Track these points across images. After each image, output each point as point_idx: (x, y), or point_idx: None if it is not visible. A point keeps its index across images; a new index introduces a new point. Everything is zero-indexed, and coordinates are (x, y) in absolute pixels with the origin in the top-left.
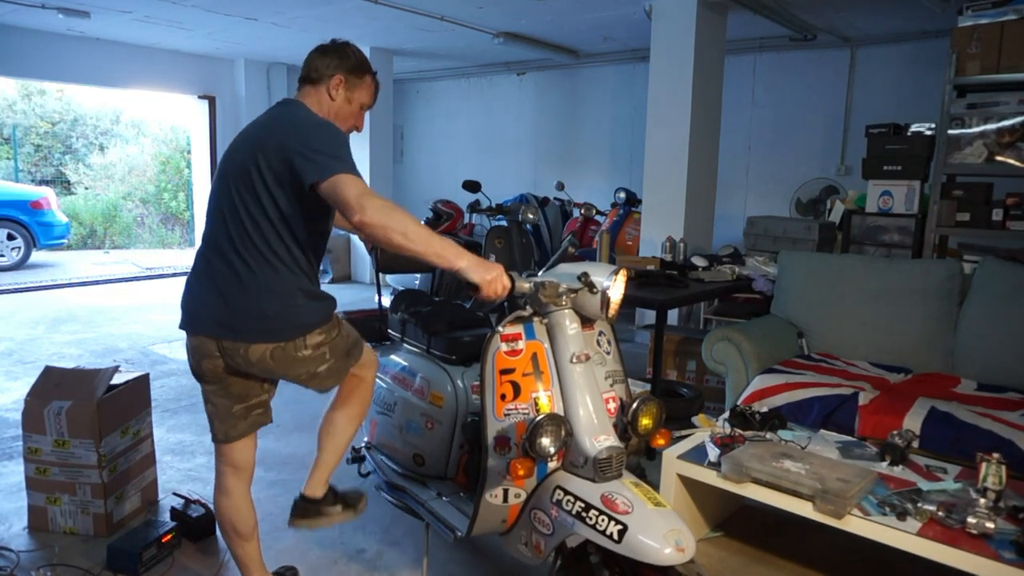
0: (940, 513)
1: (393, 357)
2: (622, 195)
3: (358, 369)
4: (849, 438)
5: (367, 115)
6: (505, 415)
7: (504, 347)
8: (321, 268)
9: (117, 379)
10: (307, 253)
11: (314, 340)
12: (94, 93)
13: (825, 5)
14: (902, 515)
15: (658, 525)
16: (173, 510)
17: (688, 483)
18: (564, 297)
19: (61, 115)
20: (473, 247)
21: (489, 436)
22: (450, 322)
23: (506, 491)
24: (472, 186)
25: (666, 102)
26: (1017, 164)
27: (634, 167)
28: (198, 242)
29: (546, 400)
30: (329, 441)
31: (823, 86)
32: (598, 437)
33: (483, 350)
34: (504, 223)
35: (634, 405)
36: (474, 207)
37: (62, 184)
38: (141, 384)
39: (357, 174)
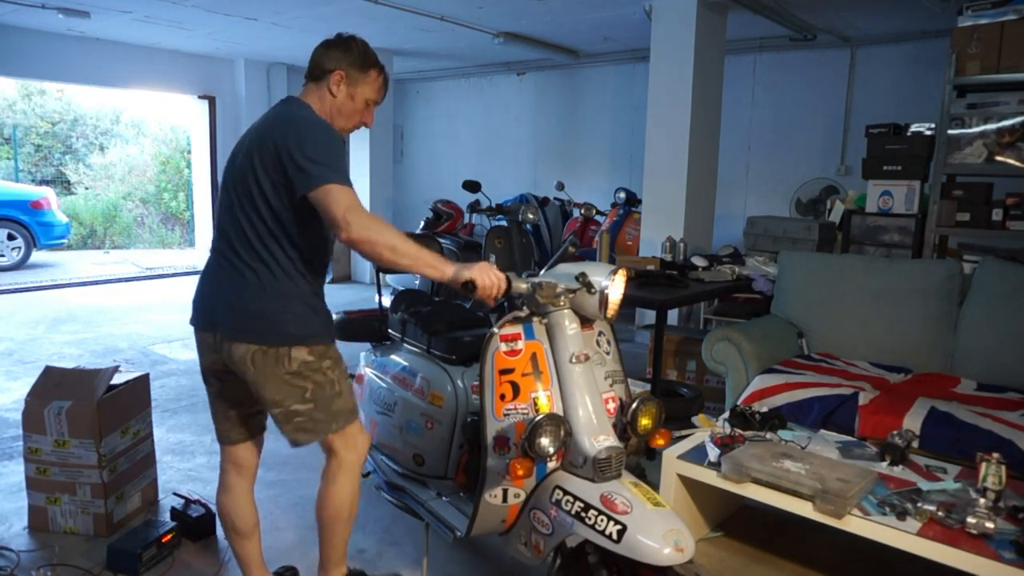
0: (940, 513)
1: (393, 357)
2: (622, 195)
3: (343, 444)
4: (849, 438)
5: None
6: (504, 415)
7: (503, 347)
8: None
9: (117, 379)
10: (306, 257)
11: (300, 356)
12: (94, 93)
13: (825, 5)
14: (902, 515)
15: (657, 525)
16: (173, 510)
17: (688, 483)
18: (562, 297)
19: (61, 115)
20: (473, 247)
21: (488, 436)
22: (450, 322)
23: (505, 491)
24: (472, 186)
25: (666, 102)
26: (1017, 164)
27: (634, 167)
28: (198, 242)
29: (545, 400)
30: (318, 515)
31: (823, 86)
32: (597, 437)
33: (482, 350)
34: (504, 223)
35: (634, 405)
36: (474, 207)
37: (62, 184)
38: (141, 384)
39: (346, 182)
